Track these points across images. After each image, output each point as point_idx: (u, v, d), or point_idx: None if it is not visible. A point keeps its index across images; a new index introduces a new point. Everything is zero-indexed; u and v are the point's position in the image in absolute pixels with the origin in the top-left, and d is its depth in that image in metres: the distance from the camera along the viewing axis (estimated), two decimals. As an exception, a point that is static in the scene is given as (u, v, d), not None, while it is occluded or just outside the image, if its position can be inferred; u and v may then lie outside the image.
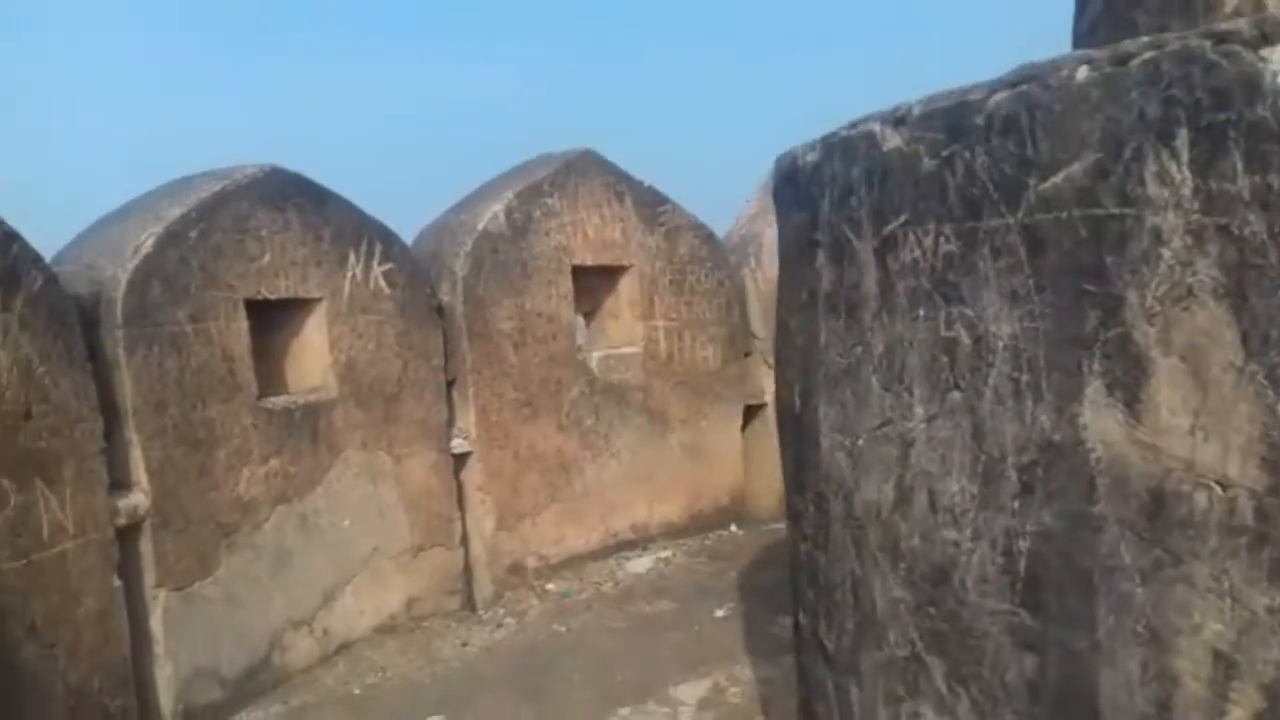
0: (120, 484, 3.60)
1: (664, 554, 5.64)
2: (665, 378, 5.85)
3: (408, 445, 4.81)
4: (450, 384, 5.02)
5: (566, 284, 5.46)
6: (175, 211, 3.86)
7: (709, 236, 6.03)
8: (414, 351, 4.83)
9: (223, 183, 4.04)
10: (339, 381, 4.51)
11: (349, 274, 4.56)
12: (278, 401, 4.26)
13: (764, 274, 6.15)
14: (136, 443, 3.65)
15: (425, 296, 4.90)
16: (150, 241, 3.74)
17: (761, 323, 6.16)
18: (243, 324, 4.09)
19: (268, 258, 4.19)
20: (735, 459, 6.14)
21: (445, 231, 5.27)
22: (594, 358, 5.59)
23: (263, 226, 4.17)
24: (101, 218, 4.02)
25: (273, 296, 4.22)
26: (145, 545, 3.67)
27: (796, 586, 2.48)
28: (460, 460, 5.07)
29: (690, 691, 3.87)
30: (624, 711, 3.74)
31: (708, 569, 5.38)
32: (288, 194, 4.29)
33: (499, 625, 4.80)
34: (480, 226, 5.15)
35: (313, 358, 4.52)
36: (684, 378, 5.92)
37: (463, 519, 5.08)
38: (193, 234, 3.89)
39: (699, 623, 4.55)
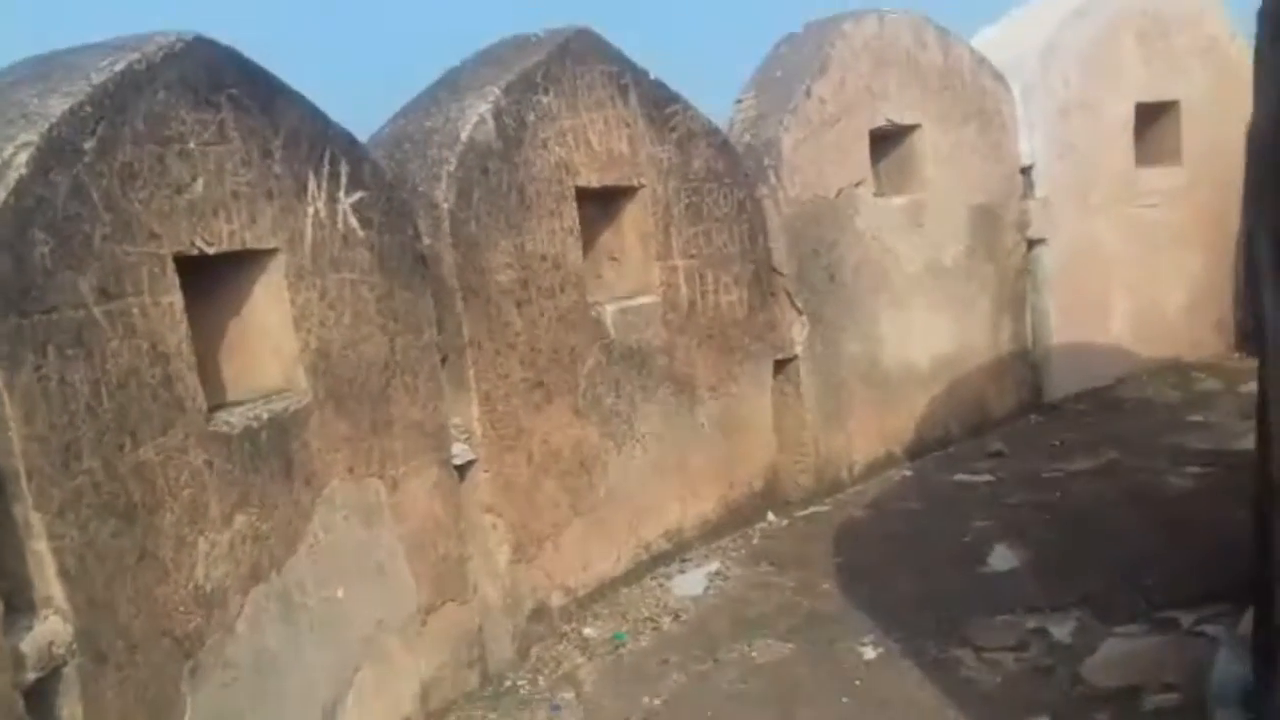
0: (19, 605, 2.02)
1: (711, 566, 4.42)
2: (689, 334, 4.58)
3: (404, 461, 3.34)
4: (441, 363, 3.57)
5: (571, 214, 4.07)
6: (57, 106, 2.23)
7: (724, 145, 4.74)
8: (401, 323, 3.35)
9: (127, 58, 2.43)
10: (311, 377, 2.99)
11: (310, 209, 3.02)
12: (235, 419, 2.71)
13: (785, 193, 4.96)
14: (38, 527, 2.07)
15: (409, 239, 3.40)
16: (22, 159, 2.12)
17: (786, 254, 4.97)
18: (176, 296, 2.52)
19: (200, 185, 2.61)
20: (767, 430, 4.97)
21: (409, 143, 3.75)
22: (608, 313, 4.23)
23: (190, 134, 2.59)
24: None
25: (212, 249, 2.65)
26: (70, 708, 2.11)
27: None
28: (460, 471, 3.65)
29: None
30: None
31: (784, 582, 4.21)
32: (221, 81, 2.69)
33: (555, 706, 3.46)
34: (464, 136, 3.67)
35: (266, 342, 2.97)
36: (709, 331, 4.66)
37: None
38: (89, 144, 2.28)
39: (855, 673, 3.38)
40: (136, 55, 2.44)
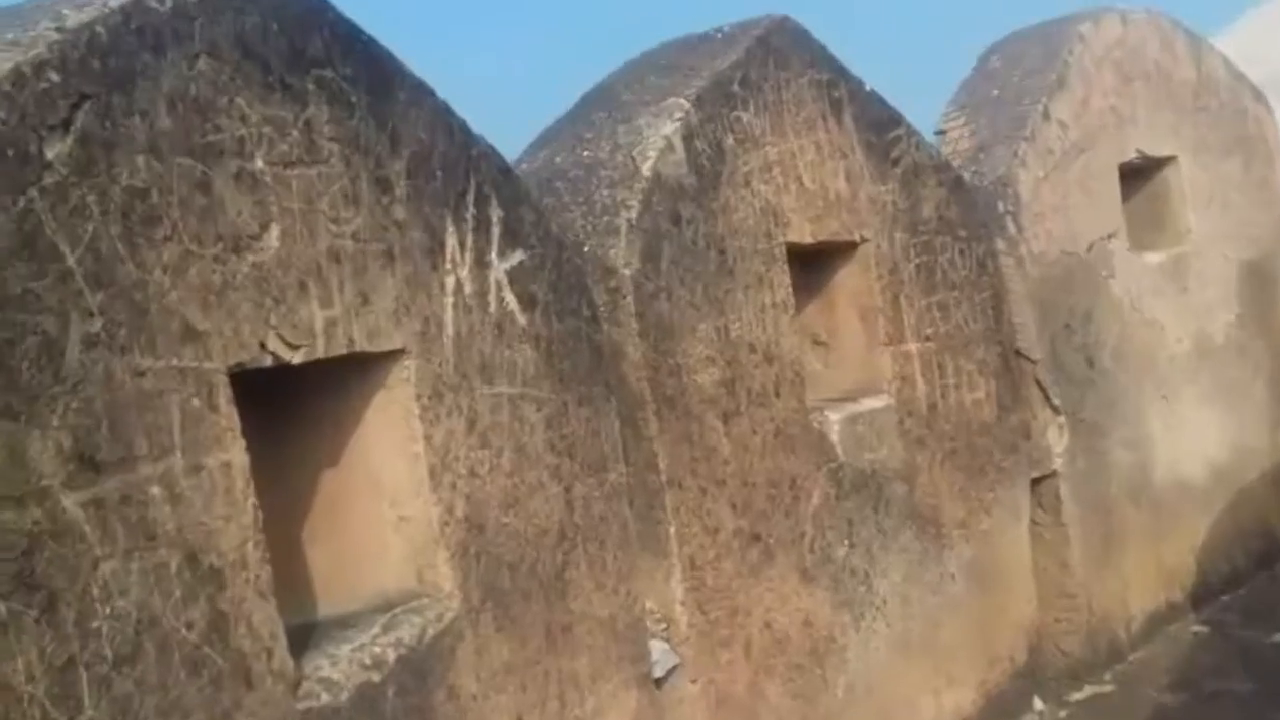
0: None
1: (990, 790, 3.12)
2: (930, 448, 3.33)
3: (591, 689, 2.11)
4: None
5: (784, 282, 2.88)
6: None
7: (957, 183, 3.56)
8: (579, 459, 2.14)
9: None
10: (458, 566, 1.78)
11: (450, 279, 1.84)
12: (340, 673, 1.49)
13: (1028, 248, 3.75)
14: None
15: (585, 325, 2.22)
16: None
17: (1036, 332, 3.75)
18: (236, 450, 1.33)
19: (275, 235, 1.44)
20: (1026, 578, 3.68)
21: (561, 182, 2.59)
22: (834, 425, 3.01)
23: (256, 140, 1.42)
24: None
25: (296, 354, 1.47)
26: None
27: None
28: (657, 683, 2.42)
29: None
30: None
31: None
32: (306, 51, 1.54)
33: None
34: (646, 169, 2.51)
35: (383, 510, 1.76)
36: (953, 443, 3.42)
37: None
38: (57, 147, 1.11)
39: None
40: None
